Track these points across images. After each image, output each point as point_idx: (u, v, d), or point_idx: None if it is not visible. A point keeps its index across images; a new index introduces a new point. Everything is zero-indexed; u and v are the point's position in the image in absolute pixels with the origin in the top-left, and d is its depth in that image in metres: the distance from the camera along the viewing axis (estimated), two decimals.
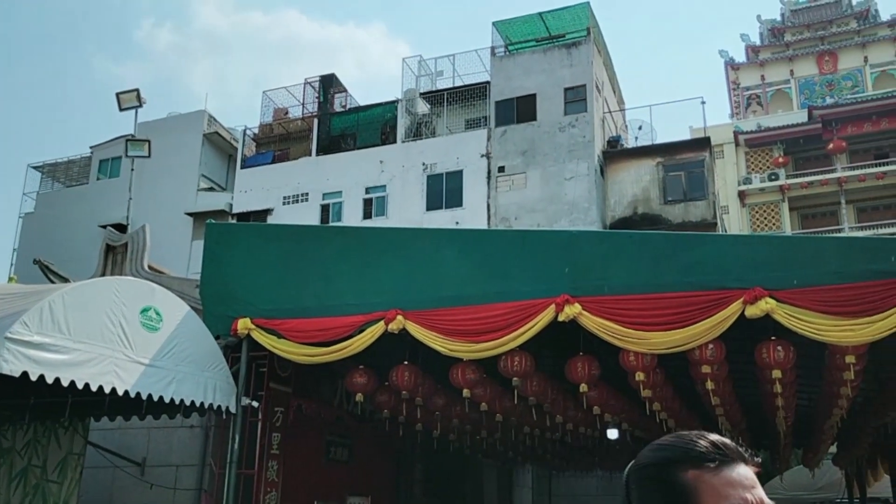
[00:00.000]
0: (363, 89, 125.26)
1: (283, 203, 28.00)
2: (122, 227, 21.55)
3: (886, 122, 37.86)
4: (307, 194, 27.80)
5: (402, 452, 13.53)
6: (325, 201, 27.51)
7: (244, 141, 30.46)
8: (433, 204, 26.07)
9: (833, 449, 16.82)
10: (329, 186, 27.58)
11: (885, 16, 44.01)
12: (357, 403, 9.59)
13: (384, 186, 27.01)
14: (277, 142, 30.86)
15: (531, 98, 26.06)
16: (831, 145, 38.11)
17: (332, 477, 11.34)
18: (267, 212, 27.90)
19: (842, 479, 19.23)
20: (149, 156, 24.73)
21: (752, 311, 6.57)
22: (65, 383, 6.11)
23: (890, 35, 42.10)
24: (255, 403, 8.39)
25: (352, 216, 26.61)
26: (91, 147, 33.15)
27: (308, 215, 26.71)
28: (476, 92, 28.13)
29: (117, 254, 11.79)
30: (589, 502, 22.22)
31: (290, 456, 9.91)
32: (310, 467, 10.75)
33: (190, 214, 29.01)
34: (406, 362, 8.78)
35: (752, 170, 39.97)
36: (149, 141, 24.67)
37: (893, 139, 38.52)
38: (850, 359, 7.30)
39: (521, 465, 19.98)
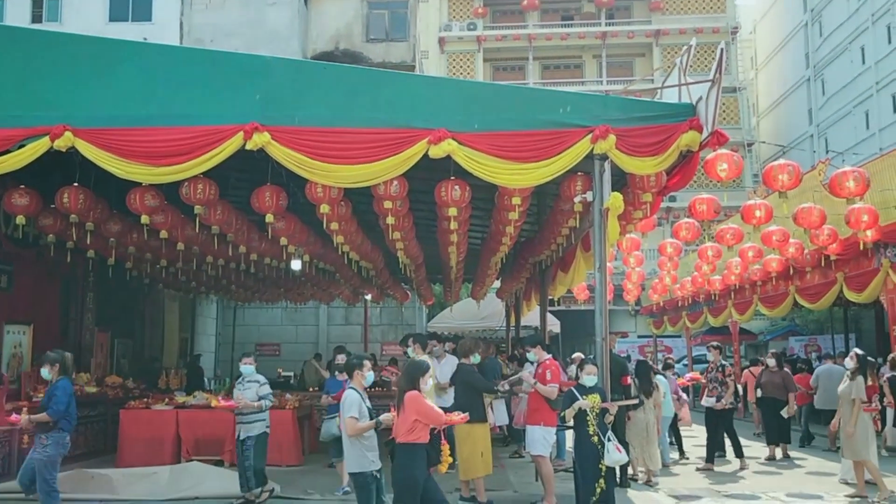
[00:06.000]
0: None
1: None
2: None
3: None
4: None
5: (71, 280, 12.70)
6: None
7: None
8: (118, 14, 23.51)
9: (497, 283, 18.69)
10: None
11: None
12: (18, 227, 8.75)
13: None
14: None
15: None
16: (525, 2, 40.10)
17: None
18: None
19: (502, 309, 21.53)
20: None
21: (436, 152, 6.88)
22: None
23: None
24: None
25: (17, 17, 23.11)
26: None
27: None
28: None
29: None
30: (273, 332, 22.84)
31: None
32: None
33: None
34: (76, 184, 8.11)
35: (454, 17, 40.99)
36: None
37: (580, 3, 41.41)
38: (516, 200, 8.02)
39: (206, 296, 19.81)
